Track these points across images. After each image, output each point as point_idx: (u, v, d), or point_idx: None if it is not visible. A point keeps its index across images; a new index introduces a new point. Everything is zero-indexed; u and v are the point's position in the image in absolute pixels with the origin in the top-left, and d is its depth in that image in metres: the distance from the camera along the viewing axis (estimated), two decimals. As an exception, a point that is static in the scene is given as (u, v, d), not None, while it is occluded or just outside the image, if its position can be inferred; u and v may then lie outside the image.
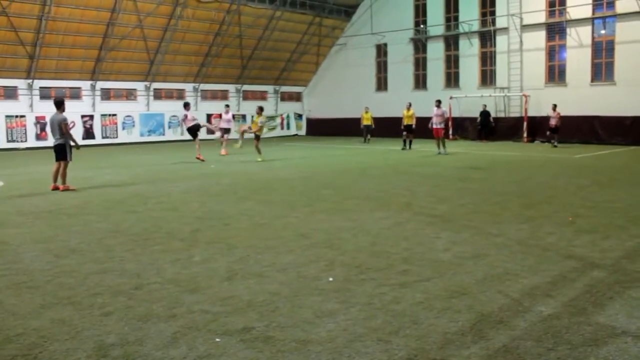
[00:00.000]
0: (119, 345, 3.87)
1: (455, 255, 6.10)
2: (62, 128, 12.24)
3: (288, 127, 39.36)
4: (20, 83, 29.33)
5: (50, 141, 13.20)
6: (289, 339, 3.92)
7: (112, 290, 5.04)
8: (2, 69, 28.47)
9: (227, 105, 24.35)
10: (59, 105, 12.47)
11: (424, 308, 4.49)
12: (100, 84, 31.38)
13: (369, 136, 29.53)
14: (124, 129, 31.52)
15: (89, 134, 30.20)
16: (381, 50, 35.32)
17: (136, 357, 3.68)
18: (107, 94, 31.80)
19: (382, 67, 35.52)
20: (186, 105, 20.19)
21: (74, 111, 29.85)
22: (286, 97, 40.07)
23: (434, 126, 20.98)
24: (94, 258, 6.23)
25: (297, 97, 40.68)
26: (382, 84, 35.55)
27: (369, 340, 3.88)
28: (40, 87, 29.74)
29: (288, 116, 39.34)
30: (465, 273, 5.43)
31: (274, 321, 4.25)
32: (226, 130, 22.85)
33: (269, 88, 38.95)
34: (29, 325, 4.28)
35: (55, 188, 12.16)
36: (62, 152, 12.24)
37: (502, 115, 29.61)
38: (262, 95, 38.78)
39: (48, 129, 17.83)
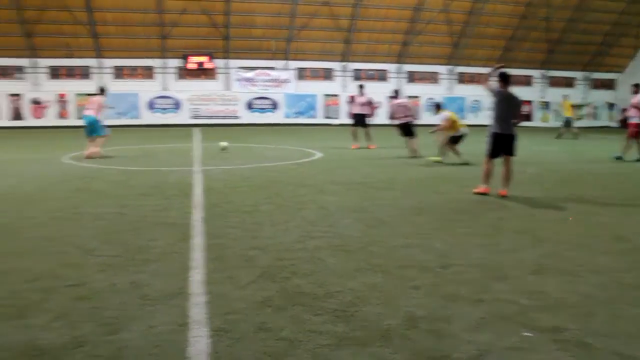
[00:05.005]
0: (427, 320, 3.98)
1: None
2: None
3: (598, 118, 36.11)
4: (335, 65, 32.31)
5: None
6: (608, 349, 3.57)
7: (419, 266, 5.22)
8: (322, 52, 31.67)
9: (361, 86, 19.14)
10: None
11: None
12: (406, 67, 32.77)
13: (563, 130, 24.03)
14: (426, 110, 32.44)
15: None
16: None
17: (444, 334, 3.75)
18: (411, 77, 33.08)
19: None
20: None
21: (380, 92, 31.94)
22: (597, 85, 36.71)
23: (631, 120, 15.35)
24: (401, 232, 6.55)
25: (610, 85, 36.98)
26: None
27: None
28: (353, 69, 32.36)
29: (597, 106, 36.08)
30: None
31: (589, 327, 3.92)
32: (359, 118, 18.28)
33: (578, 74, 36.12)
34: (346, 284, 4.68)
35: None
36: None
37: None
38: (569, 82, 36.20)
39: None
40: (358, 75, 32.54)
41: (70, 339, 3.65)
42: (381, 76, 32.99)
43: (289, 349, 3.52)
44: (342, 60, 32.19)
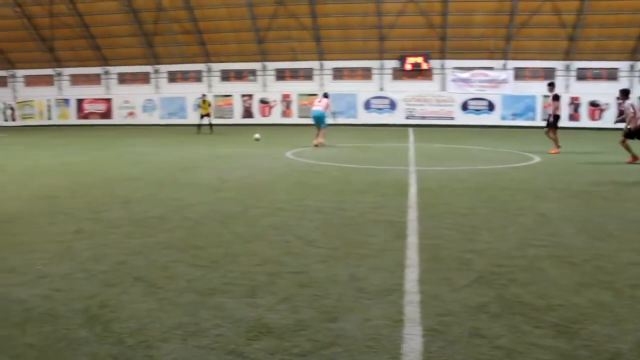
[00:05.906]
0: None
1: None
2: None
3: None
4: (557, 64, 30.30)
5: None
6: None
7: (654, 286, 4.69)
8: (543, 51, 29.91)
9: (550, 84, 17.20)
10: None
11: None
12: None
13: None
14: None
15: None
16: None
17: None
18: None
19: None
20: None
21: (609, 93, 29.21)
22: None
23: None
24: (633, 248, 5.94)
25: None
26: None
27: None
28: (577, 68, 30.08)
29: None
30: None
31: None
32: (554, 119, 16.58)
33: None
34: (569, 299, 4.37)
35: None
36: None
37: None
38: None
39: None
40: (583, 75, 30.14)
41: (293, 321, 3.93)
42: (611, 75, 30.12)
43: (506, 359, 3.40)
44: (565, 59, 30.08)
